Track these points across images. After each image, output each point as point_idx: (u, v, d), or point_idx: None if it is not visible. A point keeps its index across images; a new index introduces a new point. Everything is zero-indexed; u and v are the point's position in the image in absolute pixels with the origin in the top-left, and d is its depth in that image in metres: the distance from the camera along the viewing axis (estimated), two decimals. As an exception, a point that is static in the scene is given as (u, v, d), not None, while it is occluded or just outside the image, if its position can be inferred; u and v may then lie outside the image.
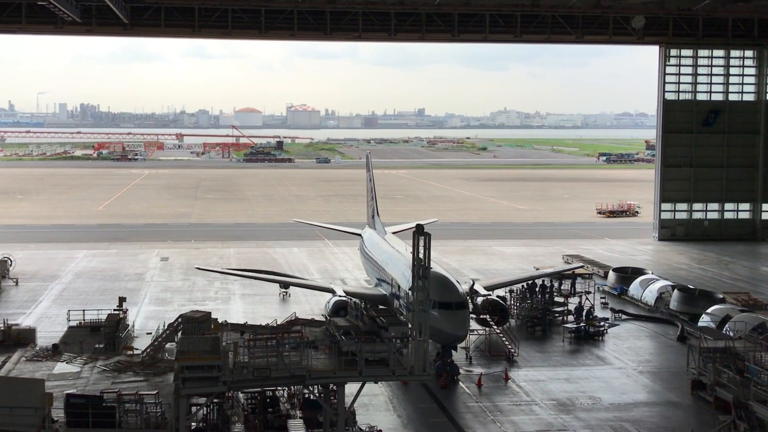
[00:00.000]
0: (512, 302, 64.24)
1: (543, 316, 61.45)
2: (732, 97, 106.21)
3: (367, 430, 39.80)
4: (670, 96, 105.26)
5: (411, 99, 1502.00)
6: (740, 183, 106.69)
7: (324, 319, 48.39)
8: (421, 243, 36.32)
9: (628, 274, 74.56)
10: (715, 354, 45.44)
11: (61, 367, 41.50)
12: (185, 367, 33.94)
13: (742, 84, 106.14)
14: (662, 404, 46.30)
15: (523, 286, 66.62)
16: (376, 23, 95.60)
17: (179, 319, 41.97)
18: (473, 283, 61.49)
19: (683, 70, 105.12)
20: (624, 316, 65.38)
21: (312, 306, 66.12)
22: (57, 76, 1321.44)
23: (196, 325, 39.66)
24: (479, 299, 58.25)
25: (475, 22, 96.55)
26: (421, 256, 36.28)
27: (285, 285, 69.78)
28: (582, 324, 59.66)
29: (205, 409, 37.22)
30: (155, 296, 71.31)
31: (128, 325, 55.52)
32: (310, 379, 35.27)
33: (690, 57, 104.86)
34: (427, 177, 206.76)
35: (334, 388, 37.03)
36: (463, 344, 52.09)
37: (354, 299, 55.82)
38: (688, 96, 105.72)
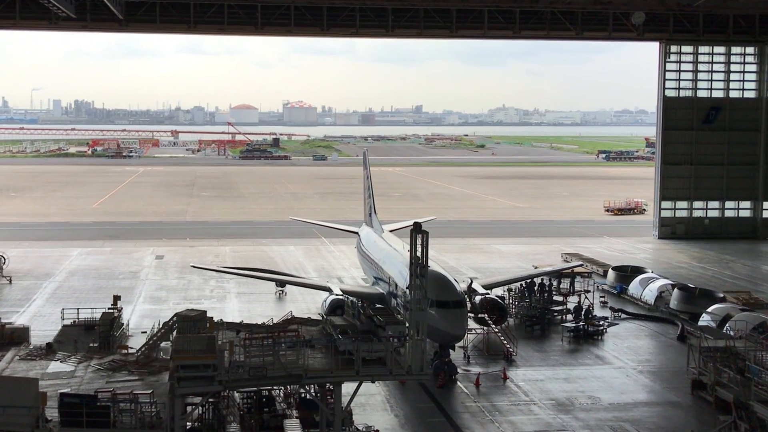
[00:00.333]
0: (511, 301, 63.96)
1: (542, 315, 61.19)
2: (733, 94, 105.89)
3: (364, 430, 39.62)
4: (670, 93, 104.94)
5: (409, 96, 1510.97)
6: (741, 181, 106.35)
7: (321, 318, 48.05)
8: (419, 241, 36.10)
9: (627, 273, 74.29)
10: (715, 353, 45.28)
11: (55, 366, 41.10)
12: (180, 366, 33.71)
13: (743, 81, 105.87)
14: (662, 404, 46.08)
15: (521, 284, 66.35)
16: (374, 19, 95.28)
17: (174, 318, 41.62)
18: (471, 282, 61.23)
19: (684, 66, 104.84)
20: (623, 315, 65.14)
21: (308, 305, 65.79)
22: (51, 72, 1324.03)
23: (191, 324, 39.23)
24: (477, 298, 57.95)
25: (473, 18, 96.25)
26: (418, 254, 36.07)
27: (281, 283, 69.65)
28: (581, 323, 59.28)
29: (200, 408, 36.98)
30: (150, 295, 70.99)
31: (123, 323, 55.10)
32: (306, 379, 35.06)
33: (690, 53, 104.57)
34: (424, 174, 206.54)
35: (331, 387, 36.79)
36: (461, 343, 51.86)
37: (351, 298, 55.74)
38: (689, 93, 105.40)
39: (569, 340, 57.96)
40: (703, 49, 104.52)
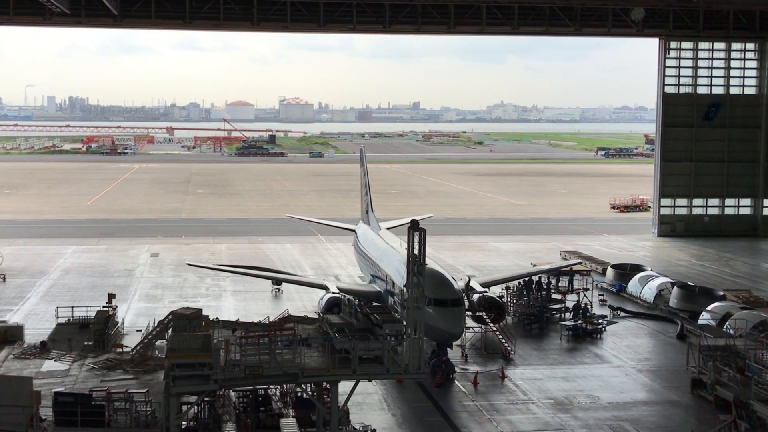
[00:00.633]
0: (509, 299, 63.68)
1: (540, 313, 60.95)
2: (733, 91, 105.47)
3: (361, 429, 39.54)
4: (670, 89, 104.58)
5: (406, 92, 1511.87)
6: (741, 178, 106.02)
7: (317, 316, 47.82)
8: (416, 239, 35.93)
9: (626, 271, 74.00)
10: (715, 352, 45.17)
11: (49, 365, 41.41)
12: (176, 365, 33.59)
13: (743, 77, 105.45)
14: (661, 403, 45.87)
15: (519, 282, 66.08)
16: (371, 15, 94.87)
17: (170, 316, 42.15)
18: (469, 280, 60.98)
19: (683, 63, 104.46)
20: (623, 314, 64.87)
21: (305, 303, 65.54)
22: (45, 69, 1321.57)
23: (186, 322, 39.78)
24: (475, 296, 57.72)
25: (471, 13, 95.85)
26: (416, 252, 35.89)
27: (277, 281, 69.39)
28: (579, 321, 58.96)
29: (195, 407, 36.83)
30: (145, 293, 70.70)
31: (118, 322, 55.16)
32: (302, 378, 34.90)
33: (690, 50, 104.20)
34: (422, 171, 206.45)
35: (328, 386, 36.65)
36: (458, 342, 51.66)
37: (348, 296, 55.82)
38: (689, 89, 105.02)
39: (568, 339, 57.71)
40: (703, 45, 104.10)
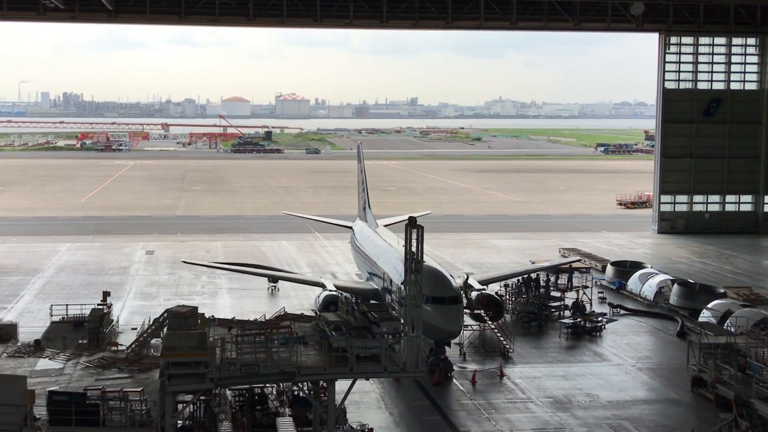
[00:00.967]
0: (507, 297, 63.46)
1: (539, 311, 60.75)
2: (734, 86, 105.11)
3: (358, 428, 39.45)
4: (670, 85, 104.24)
5: (403, 88, 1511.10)
6: (742, 174, 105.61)
7: (314, 314, 47.79)
8: (414, 236, 36.00)
9: (626, 268, 73.74)
10: (716, 350, 45.08)
11: (43, 364, 41.19)
12: (171, 363, 33.63)
13: (744, 72, 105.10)
14: (662, 402, 45.72)
15: (518, 280, 65.88)
16: (368, 10, 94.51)
17: (165, 314, 41.76)
18: (467, 278, 60.81)
19: (684, 58, 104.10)
20: (622, 311, 64.57)
21: (301, 301, 65.32)
22: (39, 64, 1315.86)
23: (182, 321, 39.28)
24: (473, 294, 57.60)
25: (469, 8, 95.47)
26: (413, 249, 35.92)
27: (274, 279, 69.39)
28: (578, 319, 58.64)
29: (191, 406, 36.77)
30: (140, 291, 70.51)
31: (112, 320, 54.96)
32: (299, 376, 34.91)
33: (690, 45, 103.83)
34: (419, 168, 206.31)
35: (324, 385, 36.60)
36: (456, 340, 51.63)
37: (345, 294, 55.83)
38: (689, 85, 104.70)
39: (567, 337, 57.52)
40: (703, 40, 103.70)
